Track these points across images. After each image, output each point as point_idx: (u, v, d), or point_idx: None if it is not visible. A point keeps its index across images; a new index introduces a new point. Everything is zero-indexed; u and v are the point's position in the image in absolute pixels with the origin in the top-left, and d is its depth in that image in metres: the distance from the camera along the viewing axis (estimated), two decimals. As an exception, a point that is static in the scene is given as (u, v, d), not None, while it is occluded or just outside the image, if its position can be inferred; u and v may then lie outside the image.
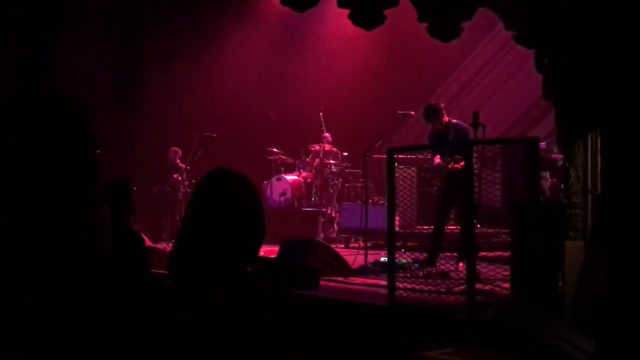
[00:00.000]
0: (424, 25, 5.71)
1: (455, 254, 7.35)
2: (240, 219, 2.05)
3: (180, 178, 11.86)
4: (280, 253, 7.66)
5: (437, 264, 7.28)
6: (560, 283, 4.97)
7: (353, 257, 8.04)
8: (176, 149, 12.23)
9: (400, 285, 5.78)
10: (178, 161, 12.17)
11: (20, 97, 1.47)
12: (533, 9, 5.15)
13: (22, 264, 1.33)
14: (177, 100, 13.28)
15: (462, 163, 6.29)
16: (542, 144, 8.42)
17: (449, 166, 7.41)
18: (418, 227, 9.54)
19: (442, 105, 7.99)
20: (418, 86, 12.44)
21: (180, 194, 11.72)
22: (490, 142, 7.18)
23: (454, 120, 7.77)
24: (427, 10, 5.61)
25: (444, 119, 7.76)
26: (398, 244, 7.53)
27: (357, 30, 6.30)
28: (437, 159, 7.69)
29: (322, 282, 6.55)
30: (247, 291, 2.01)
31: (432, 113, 7.78)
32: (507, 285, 5.68)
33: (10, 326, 1.28)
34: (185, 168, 11.82)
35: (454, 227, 8.02)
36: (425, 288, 5.95)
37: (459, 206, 7.33)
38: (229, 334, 1.86)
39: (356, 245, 10.00)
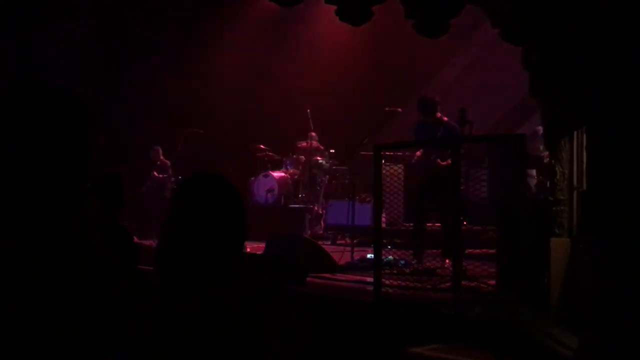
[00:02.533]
0: (411, 22, 5.70)
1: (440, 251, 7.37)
2: (219, 218, 2.05)
3: (163, 176, 11.83)
4: (266, 249, 7.65)
5: (424, 260, 7.29)
6: (546, 280, 4.99)
7: (340, 253, 8.05)
8: (157, 147, 12.18)
9: (387, 282, 5.79)
10: (162, 158, 12.12)
11: (23, 93, 1.46)
12: (521, 5, 5.16)
13: (16, 261, 1.31)
14: (164, 98, 13.21)
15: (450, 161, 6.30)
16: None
17: (438, 161, 7.40)
18: (405, 224, 9.56)
19: (439, 99, 7.93)
20: (404, 84, 12.45)
21: (167, 191, 11.68)
22: (477, 140, 7.19)
23: (445, 119, 7.75)
24: (414, 7, 5.60)
25: (437, 115, 7.75)
26: (385, 241, 7.54)
27: (344, 27, 6.29)
28: (419, 153, 7.68)
29: (308, 279, 6.56)
30: (235, 289, 2.00)
31: (428, 105, 7.71)
32: (493, 282, 5.70)
33: (4, 323, 1.27)
34: (171, 164, 11.79)
35: (439, 225, 8.03)
36: (412, 285, 5.97)
37: (444, 203, 7.33)
38: (219, 333, 1.86)
39: (343, 242, 10.02)
